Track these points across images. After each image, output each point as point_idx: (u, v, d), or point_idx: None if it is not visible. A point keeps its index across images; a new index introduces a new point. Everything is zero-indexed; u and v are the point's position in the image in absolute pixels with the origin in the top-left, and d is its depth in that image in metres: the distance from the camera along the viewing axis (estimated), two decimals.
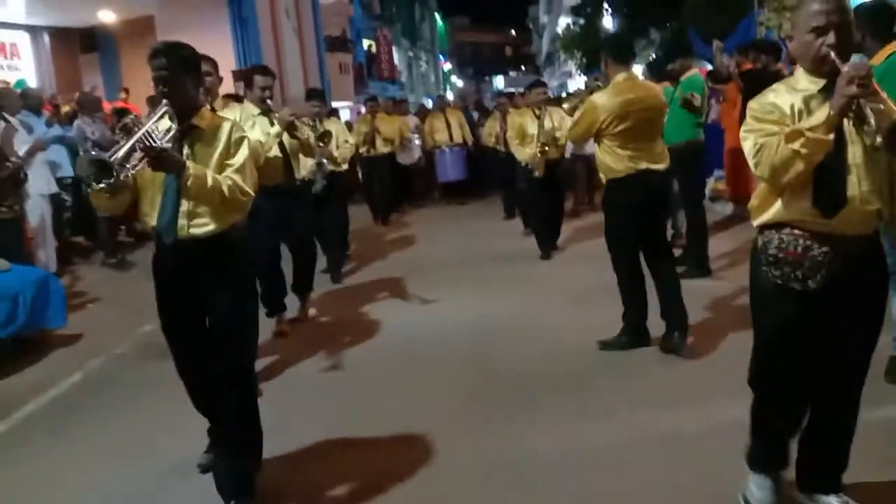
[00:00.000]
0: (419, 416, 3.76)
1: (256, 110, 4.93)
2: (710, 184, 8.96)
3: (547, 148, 7.01)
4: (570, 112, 5.01)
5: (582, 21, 29.48)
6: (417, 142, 12.16)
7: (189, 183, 2.80)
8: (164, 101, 2.86)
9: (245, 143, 3.03)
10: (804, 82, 2.38)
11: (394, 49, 29.29)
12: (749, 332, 2.63)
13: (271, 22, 13.87)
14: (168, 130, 2.82)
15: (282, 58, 13.96)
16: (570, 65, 31.38)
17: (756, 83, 7.18)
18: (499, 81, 60.42)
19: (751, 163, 2.37)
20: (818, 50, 2.28)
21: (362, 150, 10.33)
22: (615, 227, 4.52)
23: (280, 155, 5.03)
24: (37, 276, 5.37)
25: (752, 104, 2.41)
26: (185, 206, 2.91)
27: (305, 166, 5.73)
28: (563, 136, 6.86)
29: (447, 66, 54.41)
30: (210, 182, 2.84)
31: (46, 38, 12.40)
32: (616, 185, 4.41)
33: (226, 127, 3.02)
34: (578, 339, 4.68)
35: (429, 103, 20.46)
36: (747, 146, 2.38)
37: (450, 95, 39.82)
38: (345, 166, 7.48)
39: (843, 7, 2.30)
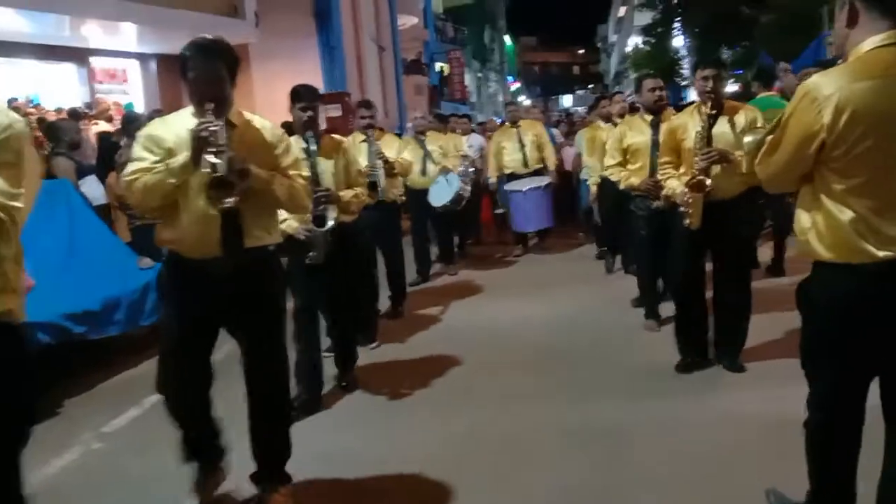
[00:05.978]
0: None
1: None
2: None
3: (706, 179, 3.73)
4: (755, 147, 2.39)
5: (652, 41, 29.71)
6: (471, 169, 8.02)
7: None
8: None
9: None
10: None
11: (465, 71, 30.14)
12: None
13: (356, 49, 14.80)
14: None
15: (364, 81, 14.87)
16: None
17: None
18: (566, 100, 60.67)
19: None
20: None
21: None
22: (808, 341, 2.31)
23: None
24: None
25: None
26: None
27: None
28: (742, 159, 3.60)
29: (515, 86, 55.12)
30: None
31: (154, 65, 13.52)
32: (821, 272, 2.20)
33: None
34: None
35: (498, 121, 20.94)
36: None
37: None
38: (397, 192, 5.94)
39: None
